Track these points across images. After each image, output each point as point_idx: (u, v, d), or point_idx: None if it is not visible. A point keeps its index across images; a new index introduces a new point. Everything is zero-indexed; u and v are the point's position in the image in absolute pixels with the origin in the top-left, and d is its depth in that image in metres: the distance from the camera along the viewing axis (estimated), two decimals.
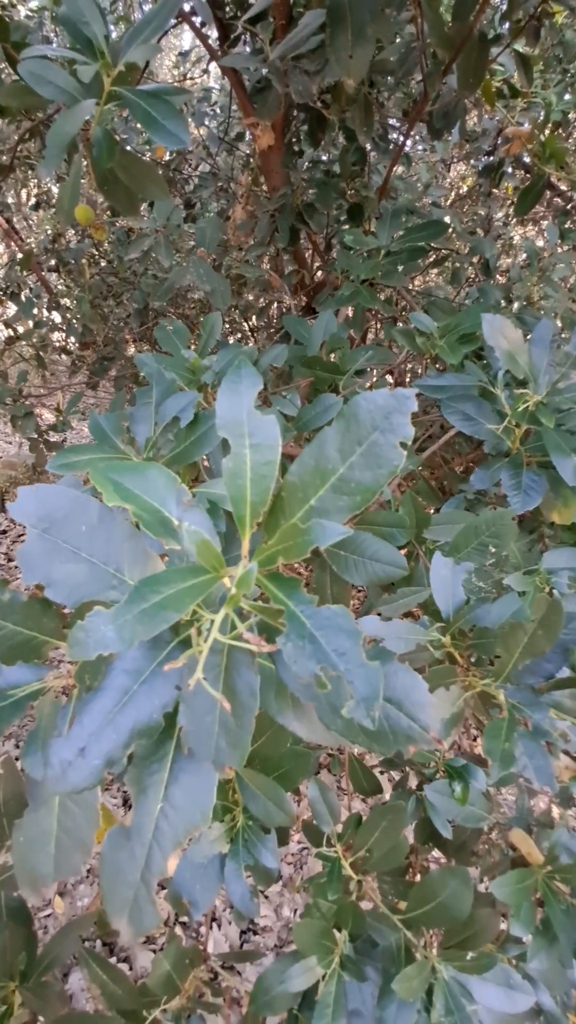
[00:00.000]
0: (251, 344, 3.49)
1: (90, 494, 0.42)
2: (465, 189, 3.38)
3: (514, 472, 0.79)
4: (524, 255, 2.22)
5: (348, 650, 0.25)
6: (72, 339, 2.40)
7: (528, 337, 0.87)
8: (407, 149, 2.42)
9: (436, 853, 1.09)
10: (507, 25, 1.25)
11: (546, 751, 0.54)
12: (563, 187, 2.10)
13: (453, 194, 3.62)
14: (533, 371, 0.72)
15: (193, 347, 1.20)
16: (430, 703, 0.29)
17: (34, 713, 0.40)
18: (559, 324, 1.39)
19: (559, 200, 2.40)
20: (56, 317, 2.64)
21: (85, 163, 0.90)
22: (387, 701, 0.29)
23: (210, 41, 2.04)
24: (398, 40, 1.60)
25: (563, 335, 1.60)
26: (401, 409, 0.29)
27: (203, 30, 1.82)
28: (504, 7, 1.17)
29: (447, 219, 1.92)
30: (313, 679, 0.24)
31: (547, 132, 1.59)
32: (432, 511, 1.39)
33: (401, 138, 1.86)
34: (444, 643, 0.65)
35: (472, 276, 2.40)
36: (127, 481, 0.34)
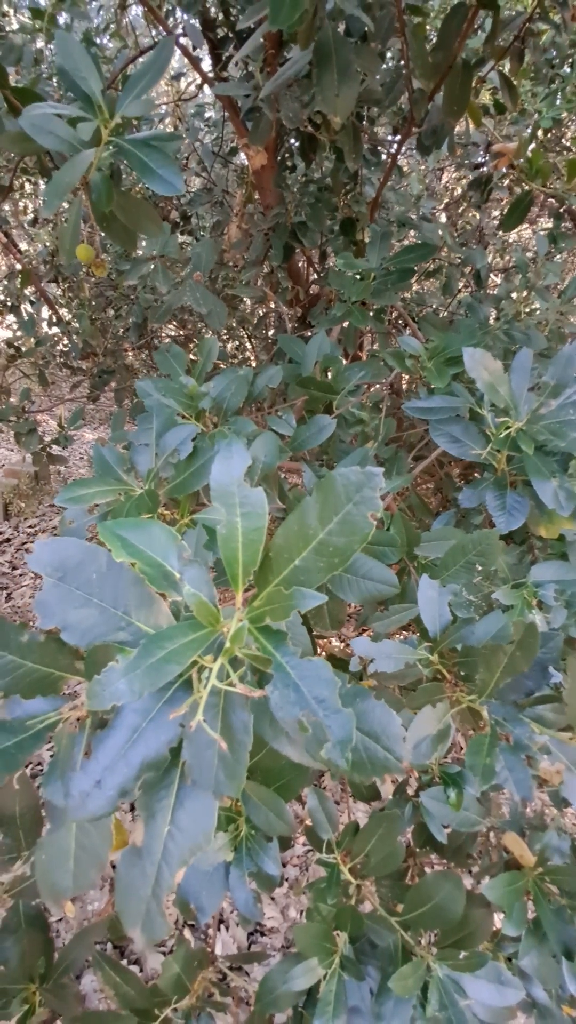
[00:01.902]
0: (247, 349, 3.53)
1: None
2: (460, 191, 3.41)
3: (499, 493, 0.83)
4: (512, 260, 2.25)
5: (326, 698, 0.29)
6: (73, 354, 2.44)
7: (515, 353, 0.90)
8: (399, 160, 2.45)
9: (436, 856, 1.12)
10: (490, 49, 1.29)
11: (525, 764, 0.58)
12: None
13: (448, 197, 3.66)
14: (513, 400, 0.76)
15: (193, 357, 1.24)
16: (403, 736, 0.33)
17: (52, 743, 0.44)
18: (546, 338, 1.43)
19: (553, 201, 2.44)
20: (56, 331, 2.68)
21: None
22: (365, 735, 0.33)
23: (199, 54, 2.08)
24: (387, 61, 1.64)
25: (556, 347, 1.64)
26: (370, 484, 0.33)
27: (194, 52, 1.86)
28: (488, 31, 1.20)
29: (439, 232, 1.95)
30: (296, 723, 0.28)
31: (533, 147, 1.62)
32: (430, 520, 1.43)
33: (393, 150, 1.90)
34: (432, 661, 0.69)
35: (465, 284, 2.44)
36: (133, 537, 0.38)
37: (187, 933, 1.85)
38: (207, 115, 2.76)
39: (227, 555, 0.35)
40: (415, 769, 0.98)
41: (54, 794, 0.38)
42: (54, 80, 2.20)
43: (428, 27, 2.00)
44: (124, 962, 1.72)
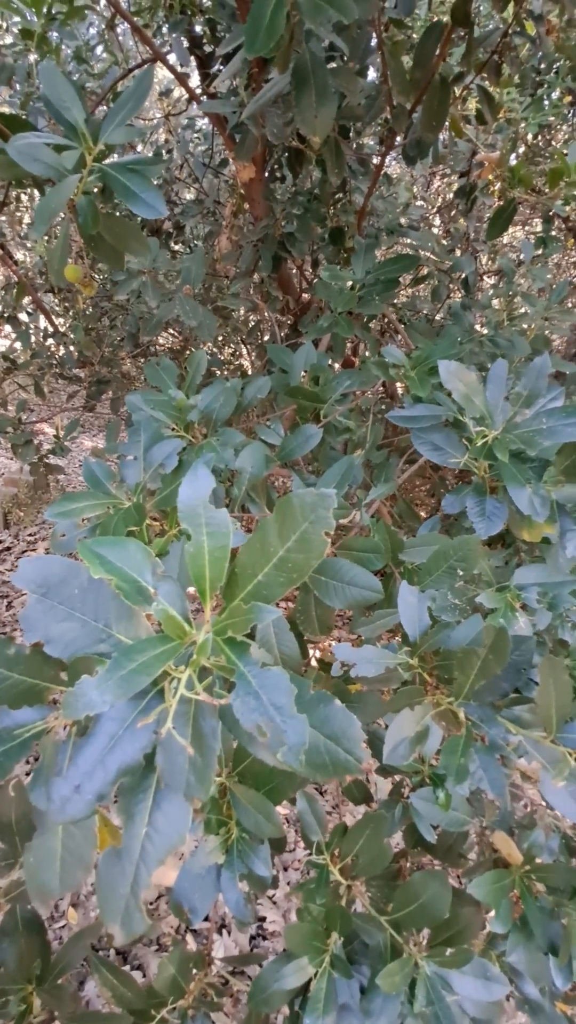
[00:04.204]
0: (242, 355, 3.56)
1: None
2: (451, 195, 3.45)
3: (478, 499, 0.85)
4: (500, 262, 2.28)
5: (283, 705, 0.31)
6: (68, 365, 2.48)
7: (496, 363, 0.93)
8: (387, 168, 2.48)
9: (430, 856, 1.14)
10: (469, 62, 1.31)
11: (500, 764, 0.60)
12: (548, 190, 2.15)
13: (440, 200, 3.69)
14: (489, 410, 0.78)
15: (184, 370, 1.26)
16: (363, 738, 0.36)
17: (39, 750, 0.47)
18: (532, 343, 1.45)
19: (546, 200, 2.46)
20: (51, 342, 2.72)
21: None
22: (328, 737, 0.36)
23: (189, 70, 2.12)
24: (368, 74, 1.67)
25: (552, 354, 1.66)
26: (324, 505, 0.35)
27: (182, 69, 1.90)
28: (465, 48, 1.23)
29: (427, 240, 1.98)
30: (256, 729, 0.30)
31: (515, 157, 1.65)
32: (417, 526, 1.45)
33: (378, 160, 1.92)
34: (412, 665, 0.71)
35: (456, 289, 2.47)
36: (110, 555, 0.40)
37: (189, 938, 1.87)
38: (198, 126, 2.80)
39: (195, 572, 0.37)
40: (403, 771, 1.00)
41: (39, 799, 0.40)
42: None
43: (415, 35, 2.04)
44: (127, 967, 1.74)
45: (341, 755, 0.36)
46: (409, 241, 2.12)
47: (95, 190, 0.82)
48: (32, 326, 2.63)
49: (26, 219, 3.77)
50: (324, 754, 0.36)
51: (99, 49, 2.56)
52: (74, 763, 0.36)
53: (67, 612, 0.44)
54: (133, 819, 0.38)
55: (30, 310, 2.82)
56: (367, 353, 2.41)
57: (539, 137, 2.72)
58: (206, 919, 1.17)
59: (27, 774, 2.05)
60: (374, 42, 1.39)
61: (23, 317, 2.65)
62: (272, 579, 0.36)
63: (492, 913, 0.87)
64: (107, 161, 0.83)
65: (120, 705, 0.37)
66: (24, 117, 2.06)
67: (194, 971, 0.95)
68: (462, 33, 1.70)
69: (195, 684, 0.34)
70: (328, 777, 0.36)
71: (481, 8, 2.28)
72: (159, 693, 0.39)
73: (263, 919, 1.93)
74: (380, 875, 0.91)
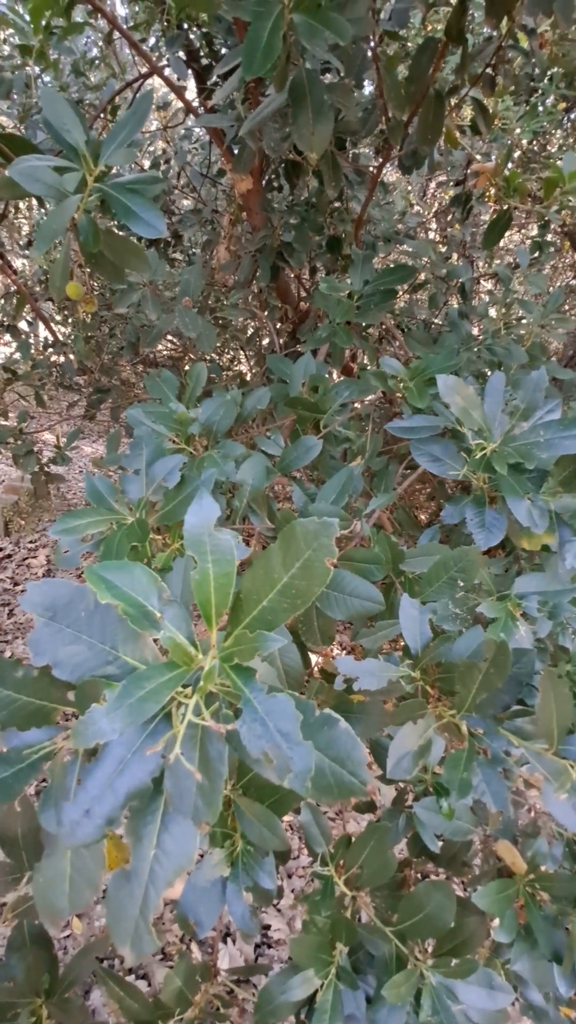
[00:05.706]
0: (241, 360, 3.58)
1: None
2: (447, 200, 3.47)
3: (478, 511, 0.86)
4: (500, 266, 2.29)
5: (289, 732, 0.32)
6: (68, 374, 2.49)
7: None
8: (383, 175, 2.50)
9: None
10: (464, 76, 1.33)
11: (502, 777, 0.60)
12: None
13: (436, 205, 3.71)
14: (487, 423, 0.79)
15: (183, 380, 1.27)
16: (367, 760, 0.36)
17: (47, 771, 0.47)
18: (528, 351, 1.46)
19: (542, 208, 2.48)
20: (51, 351, 2.73)
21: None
22: (332, 760, 0.36)
23: (186, 82, 2.14)
24: (364, 87, 1.68)
25: (539, 359, 1.67)
26: (327, 533, 0.36)
27: (179, 82, 1.92)
28: (459, 62, 1.25)
29: (423, 248, 1.99)
30: (263, 755, 0.31)
31: (511, 167, 1.66)
32: (417, 534, 1.46)
33: (375, 170, 1.94)
34: (414, 677, 0.72)
35: (452, 294, 2.48)
36: (116, 579, 0.41)
37: (194, 947, 1.87)
38: (195, 137, 2.82)
39: (201, 598, 0.38)
40: (407, 779, 1.01)
41: (48, 821, 0.41)
42: None
43: (410, 44, 2.06)
44: (132, 977, 1.74)
45: (346, 778, 0.36)
46: (406, 248, 2.13)
47: (95, 205, 0.83)
48: (32, 335, 2.64)
49: (25, 228, 3.78)
50: (329, 776, 0.36)
51: (97, 59, 2.59)
52: (83, 787, 0.36)
53: (74, 635, 0.45)
54: (141, 841, 0.38)
55: (30, 319, 2.83)
56: (365, 360, 2.42)
57: (534, 143, 2.74)
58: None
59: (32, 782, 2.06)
60: (369, 54, 1.41)
61: (23, 326, 2.67)
62: (276, 605, 0.37)
63: (496, 922, 0.87)
64: (107, 180, 0.84)
65: (128, 730, 0.37)
66: (23, 130, 2.07)
67: (200, 982, 0.95)
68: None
69: (202, 710, 0.35)
70: (333, 799, 0.36)
71: (475, 15, 2.30)
72: (166, 717, 0.39)
73: (268, 927, 1.93)
74: (385, 885, 0.91)
